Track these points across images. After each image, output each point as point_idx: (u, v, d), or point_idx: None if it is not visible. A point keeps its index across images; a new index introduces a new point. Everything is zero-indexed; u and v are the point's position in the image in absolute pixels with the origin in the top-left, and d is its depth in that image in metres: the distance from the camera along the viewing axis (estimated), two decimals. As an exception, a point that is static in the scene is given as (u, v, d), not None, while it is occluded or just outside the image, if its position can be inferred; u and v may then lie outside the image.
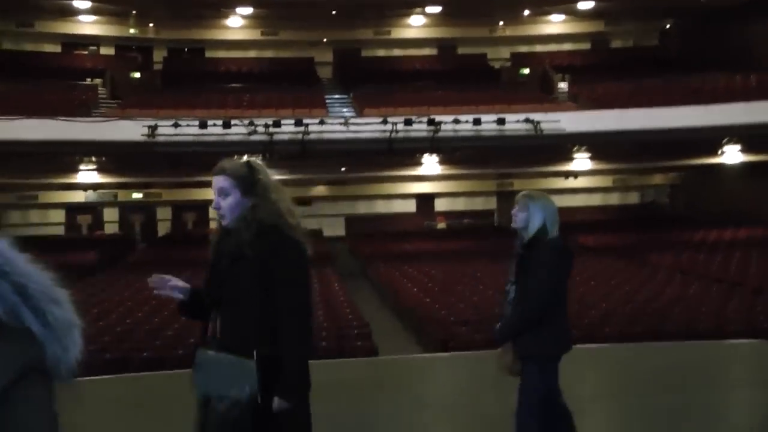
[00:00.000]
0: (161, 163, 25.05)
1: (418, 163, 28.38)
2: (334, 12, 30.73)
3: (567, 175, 29.24)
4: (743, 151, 25.78)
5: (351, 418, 7.58)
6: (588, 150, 27.21)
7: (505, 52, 35.26)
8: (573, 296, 12.35)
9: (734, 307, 16.19)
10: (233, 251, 3.39)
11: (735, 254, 23.19)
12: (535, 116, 23.60)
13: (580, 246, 25.29)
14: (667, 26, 34.40)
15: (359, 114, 25.89)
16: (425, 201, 34.91)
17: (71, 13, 31.59)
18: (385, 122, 23.56)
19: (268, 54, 34.88)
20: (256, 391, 3.24)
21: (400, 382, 9.68)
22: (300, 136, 23.47)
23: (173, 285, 3.52)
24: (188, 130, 22.85)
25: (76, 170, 26.90)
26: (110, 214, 34.22)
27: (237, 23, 33.74)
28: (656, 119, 23.18)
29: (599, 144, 25.64)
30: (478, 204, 35.27)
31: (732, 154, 25.97)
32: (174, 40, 34.35)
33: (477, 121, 23.49)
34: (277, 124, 23.31)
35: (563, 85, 29.62)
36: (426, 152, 26.97)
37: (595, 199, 34.87)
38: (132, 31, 33.82)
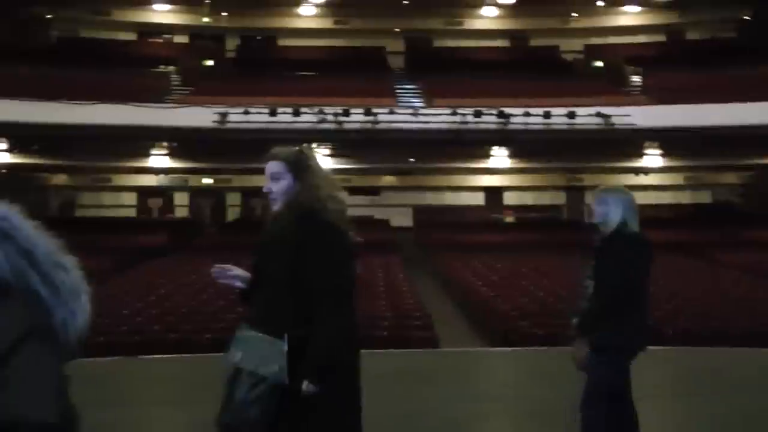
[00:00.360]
0: (231, 150, 25.34)
1: (487, 156, 28.24)
2: (405, 1, 30.68)
3: (637, 171, 28.76)
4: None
5: (407, 408, 7.60)
6: (659, 146, 26.73)
7: (577, 44, 34.77)
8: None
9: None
10: (274, 234, 3.52)
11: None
12: (606, 110, 23.27)
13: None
14: (746, 17, 33.49)
15: (429, 104, 25.83)
16: (493, 194, 34.66)
17: (147, 2, 32.19)
18: (454, 113, 23.49)
19: (340, 43, 34.94)
20: (284, 371, 3.30)
21: (458, 374, 9.67)
22: (369, 125, 23.55)
23: (234, 274, 3.65)
24: (258, 117, 23.11)
25: (148, 155, 27.44)
26: (181, 199, 34.77)
27: (309, 12, 33.93)
28: (731, 115, 22.64)
29: (671, 139, 25.14)
30: (547, 199, 34.91)
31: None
32: (246, 28, 34.68)
33: (547, 114, 23.27)
34: (346, 113, 23.42)
35: (636, 78, 29.10)
36: (495, 144, 26.82)
37: (666, 197, 34.19)
38: (205, 19, 34.23)
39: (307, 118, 23.42)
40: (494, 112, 23.42)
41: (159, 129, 23.67)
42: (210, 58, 33.97)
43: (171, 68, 30.64)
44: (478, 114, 23.35)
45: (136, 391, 9.20)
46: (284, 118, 23.19)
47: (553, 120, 23.32)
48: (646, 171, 28.61)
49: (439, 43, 35.72)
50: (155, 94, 25.79)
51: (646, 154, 27.33)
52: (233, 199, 34.92)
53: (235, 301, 14.64)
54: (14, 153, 26.04)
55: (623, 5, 32.93)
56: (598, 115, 23.18)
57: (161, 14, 33.83)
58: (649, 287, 4.95)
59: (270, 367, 3.32)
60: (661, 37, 34.54)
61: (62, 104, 22.79)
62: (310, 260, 3.38)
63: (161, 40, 35.43)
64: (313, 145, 26.52)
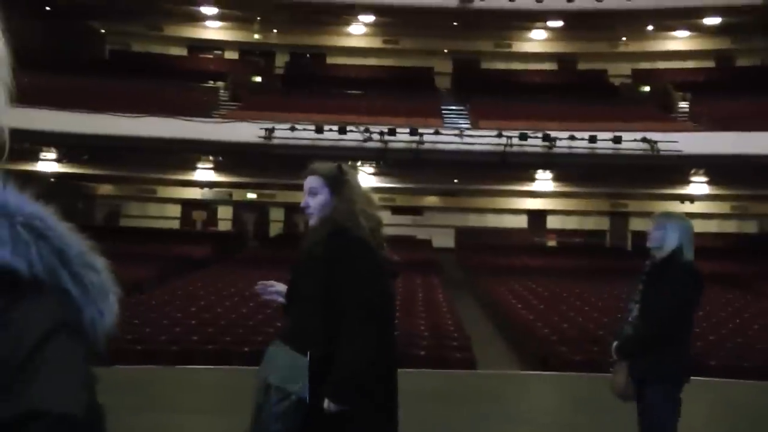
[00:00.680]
0: (276, 165, 25.53)
1: (532, 179, 28.14)
2: (455, 23, 30.75)
3: (683, 199, 28.44)
4: None
5: (442, 429, 7.58)
6: (706, 173, 26.42)
7: (626, 68, 34.58)
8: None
9: None
10: (307, 250, 3.54)
11: None
12: (653, 135, 23.07)
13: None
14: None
15: (475, 126, 25.82)
16: (537, 217, 34.51)
17: (198, 18, 32.61)
18: (499, 135, 23.45)
19: (388, 62, 35.13)
20: (306, 388, 3.33)
21: (495, 396, 9.62)
22: (414, 145, 23.58)
23: (275, 290, 3.74)
24: (304, 134, 23.25)
25: (193, 168, 27.76)
26: (224, 212, 35.09)
27: (359, 31, 34.13)
28: (780, 143, 22.33)
29: (718, 167, 24.84)
30: (590, 223, 34.66)
31: None
32: (296, 45, 35.02)
33: (593, 139, 23.13)
34: (392, 132, 23.48)
35: (683, 104, 28.84)
36: (539, 168, 26.72)
37: (711, 226, 33.70)
38: (256, 36, 34.65)
39: (353, 137, 23.53)
40: (539, 134, 23.35)
41: (205, 143, 23.92)
42: (259, 74, 34.33)
43: (220, 83, 31.00)
44: (523, 137, 23.28)
45: (173, 398, 9.28)
46: (330, 135, 23.32)
47: (598, 144, 23.17)
48: (691, 198, 28.28)
49: (487, 65, 35.76)
50: (203, 108, 26.12)
51: (692, 182, 27.03)
52: (276, 215, 35.17)
53: (274, 315, 14.75)
54: (63, 162, 26.49)
55: (673, 30, 32.65)
56: (644, 140, 22.98)
57: (212, 30, 34.32)
58: (693, 319, 4.88)
59: (295, 383, 3.35)
60: (710, 63, 34.19)
61: (112, 116, 23.16)
62: (339, 276, 3.40)
63: (211, 56, 35.91)
64: (358, 164, 26.71)
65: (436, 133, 23.75)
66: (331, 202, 3.57)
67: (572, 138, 23.26)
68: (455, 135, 24.03)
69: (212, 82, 31.50)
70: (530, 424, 8.21)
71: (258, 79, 33.91)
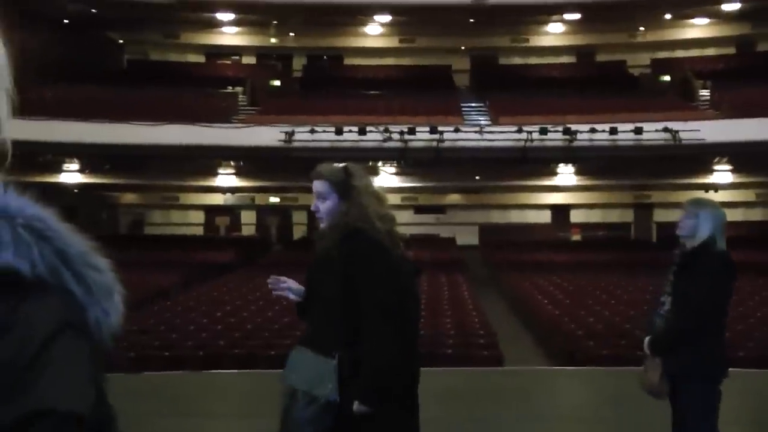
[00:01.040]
0: (297, 168, 25.58)
1: (553, 173, 28.02)
2: (471, 20, 30.65)
3: (707, 188, 28.17)
4: None
5: (469, 426, 7.54)
6: (729, 161, 26.19)
7: (644, 59, 34.34)
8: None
9: None
10: (322, 253, 3.53)
11: None
12: (674, 125, 22.89)
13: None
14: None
15: (494, 122, 25.74)
16: (560, 212, 34.37)
17: (215, 24, 32.72)
18: (519, 131, 23.36)
19: (406, 61, 35.10)
20: (335, 391, 3.32)
21: (522, 393, 9.57)
22: (434, 143, 23.54)
23: (287, 286, 3.69)
24: (324, 136, 23.28)
25: (215, 174, 27.86)
26: (247, 217, 35.19)
27: (375, 31, 34.10)
28: (805, 129, 22.08)
29: (741, 155, 24.59)
30: (614, 216, 34.45)
31: None
32: (313, 48, 35.04)
33: (613, 131, 22.99)
34: (411, 131, 23.44)
35: (705, 92, 28.59)
36: (561, 162, 26.60)
37: (736, 215, 33.34)
38: (273, 40, 34.72)
39: (373, 137, 23.52)
40: (560, 128, 23.23)
41: (226, 148, 24.02)
42: (277, 78, 34.42)
43: (238, 88, 31.09)
44: (543, 131, 23.19)
45: (201, 403, 9.31)
46: (350, 136, 23.33)
47: (619, 136, 23.03)
48: (715, 187, 28.01)
49: (505, 60, 35.65)
50: (223, 114, 26.22)
51: (716, 170, 26.80)
52: (299, 218, 35.22)
53: (299, 320, 14.82)
54: (86, 173, 26.66)
55: (691, 18, 32.33)
56: (666, 130, 22.81)
57: (229, 36, 34.41)
58: (727, 311, 4.65)
59: (322, 386, 3.33)
60: (730, 50, 33.80)
61: (132, 125, 23.29)
62: (355, 278, 3.39)
63: (229, 62, 36.05)
64: (379, 164, 26.70)
65: (456, 130, 23.70)
66: (340, 206, 3.54)
67: (593, 131, 23.14)
68: (475, 132, 23.96)
69: (231, 87, 31.61)
70: (559, 421, 8.15)
71: (276, 82, 34.01)
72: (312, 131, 23.42)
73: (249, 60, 36.01)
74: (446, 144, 23.54)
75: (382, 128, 23.60)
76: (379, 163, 26.80)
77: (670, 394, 4.57)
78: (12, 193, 1.02)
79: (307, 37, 34.22)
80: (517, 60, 35.54)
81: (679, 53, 33.94)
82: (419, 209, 33.57)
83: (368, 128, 23.51)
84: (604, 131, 23.07)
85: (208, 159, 26.37)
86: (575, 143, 23.35)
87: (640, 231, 33.95)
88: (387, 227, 3.55)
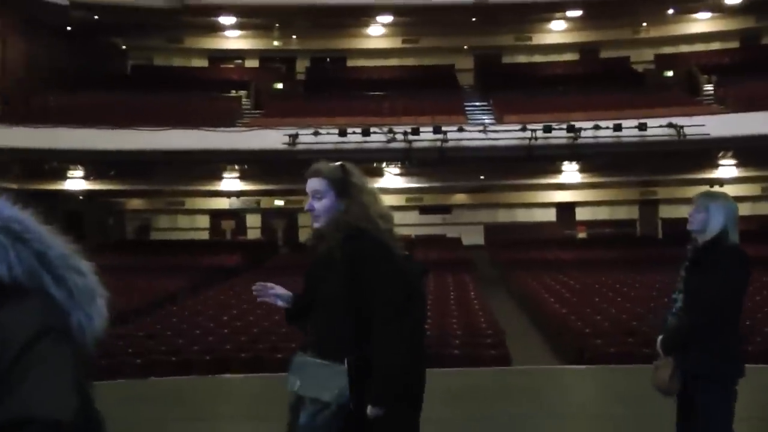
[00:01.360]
0: (302, 171, 25.58)
1: (558, 171, 27.97)
2: (474, 19, 30.64)
3: (712, 183, 28.11)
4: None
5: (478, 426, 7.53)
6: (734, 156, 26.13)
7: (648, 54, 34.30)
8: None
9: None
10: (324, 255, 3.41)
11: None
12: (679, 120, 22.86)
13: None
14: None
15: (499, 121, 25.73)
16: (565, 210, 34.32)
17: (218, 28, 32.76)
18: (524, 129, 23.35)
19: (409, 61, 35.11)
20: (347, 395, 3.23)
21: (531, 392, 9.55)
22: (438, 143, 23.53)
23: (275, 293, 3.60)
24: (328, 137, 23.29)
25: (220, 178, 27.88)
26: (253, 220, 35.20)
27: (378, 32, 34.11)
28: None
29: (747, 149, 24.53)
30: (620, 213, 34.39)
31: None
32: (316, 50, 35.06)
33: (618, 127, 22.97)
34: (415, 132, 23.44)
35: (709, 87, 28.53)
36: (566, 159, 26.56)
37: (743, 209, 33.02)
38: (276, 43, 34.75)
39: (377, 138, 23.52)
40: (564, 126, 23.21)
41: (231, 152, 24.05)
42: (280, 81, 34.45)
43: (242, 92, 31.13)
44: (548, 129, 23.16)
45: (209, 408, 9.31)
46: (354, 138, 23.34)
47: (623, 132, 23.00)
48: (721, 182, 27.93)
49: (508, 59, 35.63)
50: (227, 117, 26.26)
51: (721, 165, 26.73)
52: (305, 220, 35.15)
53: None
54: (91, 180, 26.70)
55: (695, 12, 32.26)
56: (670, 126, 22.77)
57: (232, 40, 34.45)
58: (741, 307, 4.49)
59: (331, 391, 3.25)
60: (735, 44, 33.72)
61: (136, 131, 23.34)
62: (363, 281, 3.30)
63: (232, 65, 36.09)
64: (383, 165, 26.70)
65: (460, 130, 23.69)
66: (338, 205, 3.44)
67: (597, 128, 23.12)
68: (479, 131, 23.95)
69: (234, 91, 31.66)
70: (568, 419, 8.14)
71: (280, 85, 34.03)
72: (316, 133, 23.43)
73: (252, 63, 36.05)
74: (450, 144, 23.53)
75: (386, 129, 23.61)
76: (384, 164, 26.80)
77: (682, 391, 4.42)
78: None
79: (310, 40, 34.26)
80: (521, 58, 35.53)
81: (683, 48, 33.87)
82: (424, 210, 33.56)
83: (372, 129, 23.52)
84: (608, 128, 23.05)
85: (212, 163, 26.39)
86: (580, 140, 23.33)
87: (645, 227, 33.90)
88: (388, 226, 3.50)
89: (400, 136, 23.48)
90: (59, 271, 0.95)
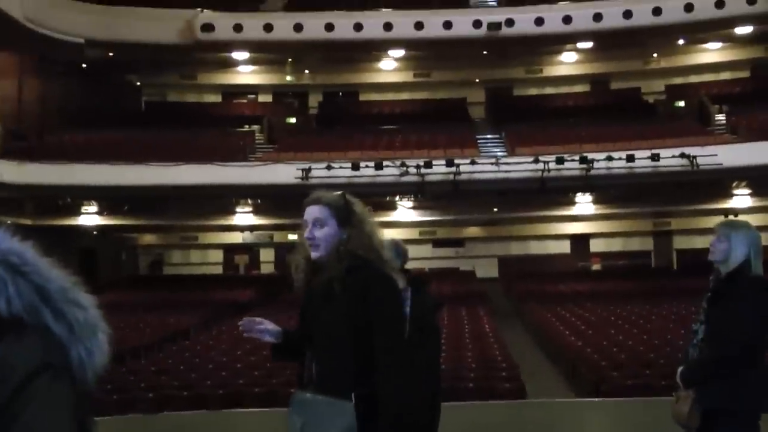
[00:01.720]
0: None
1: (572, 203, 27.92)
2: (485, 52, 30.79)
3: (726, 213, 27.99)
4: None
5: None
6: (748, 185, 26.04)
7: (659, 85, 34.36)
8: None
9: None
10: (325, 286, 3.25)
11: None
12: (691, 150, 22.84)
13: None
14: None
15: (511, 153, 25.76)
16: (579, 242, 34.21)
17: (231, 64, 33.02)
18: (536, 161, 23.36)
19: (421, 95, 35.27)
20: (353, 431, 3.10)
21: (546, 426, 9.46)
22: (451, 176, 23.55)
23: (263, 328, 3.46)
24: (341, 172, 23.33)
25: (233, 212, 27.94)
26: (266, 255, 35.19)
27: (390, 66, 34.29)
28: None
29: (760, 178, 24.45)
30: (635, 244, 34.23)
31: None
32: (329, 84, 35.24)
33: (630, 158, 22.95)
34: (428, 165, 23.47)
35: (721, 117, 28.52)
36: (579, 191, 26.53)
37: (760, 239, 33.07)
38: (288, 78, 34.95)
39: (390, 172, 23.56)
40: (576, 157, 23.21)
41: (244, 187, 24.14)
42: (293, 116, 34.61)
43: (255, 127, 31.30)
44: (560, 161, 23.16)
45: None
46: (367, 172, 23.38)
47: (636, 163, 22.98)
48: (735, 212, 27.81)
49: (519, 91, 35.73)
50: (240, 152, 26.39)
51: (735, 195, 26.65)
52: (318, 254, 35.15)
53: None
54: (104, 215, 26.81)
55: (705, 42, 32.34)
56: (683, 156, 22.74)
57: (245, 75, 34.69)
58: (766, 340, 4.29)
59: (338, 430, 3.11)
60: (745, 73, 33.75)
61: (150, 166, 23.49)
62: (371, 315, 3.17)
63: (245, 100, 36.31)
64: (396, 198, 26.73)
65: (473, 163, 23.72)
66: (340, 234, 3.31)
67: (610, 159, 23.10)
68: (492, 164, 23.97)
69: (248, 126, 31.83)
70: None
71: (293, 120, 34.18)
72: (329, 167, 23.50)
73: (265, 98, 36.25)
74: (463, 177, 23.55)
75: (398, 163, 23.66)
76: (397, 198, 26.82)
77: (700, 427, 4.26)
78: None
79: (323, 74, 34.47)
80: (532, 90, 35.63)
81: (694, 78, 33.89)
82: (438, 243, 33.52)
83: (385, 163, 23.57)
84: (621, 159, 23.03)
85: (226, 198, 26.48)
86: (593, 172, 23.30)
87: (660, 259, 33.74)
88: (390, 258, 3.43)
89: (412, 170, 23.51)
90: (59, 305, 0.93)
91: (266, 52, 30.96)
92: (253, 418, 11.11)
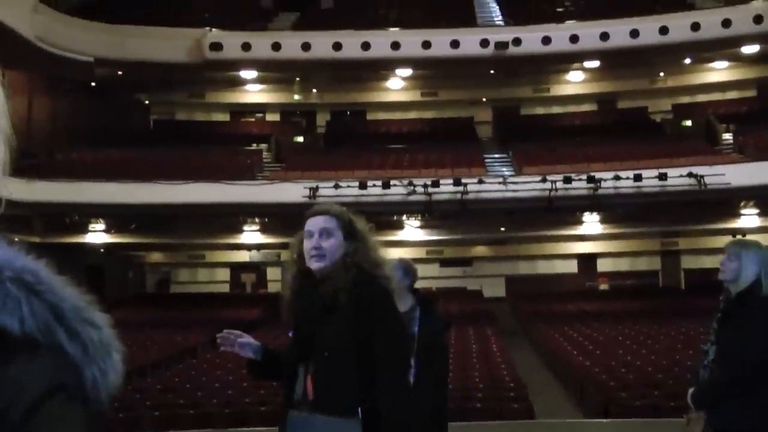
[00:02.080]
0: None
1: (579, 222, 27.88)
2: (492, 71, 30.85)
3: (734, 232, 27.89)
4: None
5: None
6: (756, 205, 25.98)
7: (666, 104, 34.37)
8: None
9: None
10: (329, 299, 3.16)
11: None
12: (699, 170, 22.79)
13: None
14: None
15: (518, 172, 25.77)
16: (587, 261, 34.13)
17: (239, 83, 33.12)
18: (544, 180, 23.34)
19: (428, 114, 35.33)
20: None
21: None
22: (459, 195, 23.53)
23: (243, 342, 3.37)
24: (348, 191, 23.33)
25: (240, 231, 27.96)
26: (273, 273, 35.14)
27: (397, 85, 34.37)
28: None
29: (768, 198, 24.43)
30: (642, 264, 34.13)
31: None
32: (336, 103, 35.33)
33: (638, 177, 22.91)
34: (435, 184, 23.47)
35: (728, 136, 28.49)
36: (586, 210, 26.50)
37: (767, 260, 32.92)
38: (296, 97, 35.06)
39: (397, 191, 23.56)
40: (584, 177, 23.19)
41: (252, 205, 24.16)
42: (301, 134, 34.70)
43: (263, 145, 31.37)
44: (568, 180, 23.14)
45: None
46: (374, 191, 23.38)
47: (644, 183, 22.95)
48: (743, 232, 27.70)
49: (527, 110, 35.77)
50: (248, 171, 26.44)
51: (743, 214, 26.57)
52: (326, 273, 35.12)
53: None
54: (112, 233, 26.86)
55: (711, 62, 32.37)
56: (690, 175, 22.70)
57: (253, 94, 34.80)
58: None
59: None
60: (752, 92, 33.73)
61: (158, 184, 23.52)
62: (376, 330, 3.10)
63: (253, 119, 36.42)
64: (404, 217, 26.72)
65: (480, 182, 23.71)
66: (345, 246, 3.24)
67: (617, 178, 23.07)
68: (499, 183, 23.96)
69: (255, 144, 31.90)
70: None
71: (300, 138, 34.26)
72: (336, 186, 23.51)
73: (273, 117, 36.35)
74: (471, 196, 23.54)
75: (406, 182, 23.66)
76: (404, 217, 26.82)
77: None
78: (1, 245, 0.96)
79: (330, 93, 34.57)
80: (539, 110, 35.66)
81: (701, 97, 33.89)
82: (445, 262, 33.47)
83: (392, 182, 23.57)
84: (628, 178, 22.99)
85: (233, 216, 26.51)
86: (600, 191, 23.27)
87: (668, 278, 33.62)
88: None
89: (420, 189, 23.51)
90: (73, 324, 0.92)
91: (274, 71, 31.06)
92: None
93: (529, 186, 23.56)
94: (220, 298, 31.57)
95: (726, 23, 26.22)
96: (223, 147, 29.40)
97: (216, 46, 27.33)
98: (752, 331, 4.11)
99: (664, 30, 26.64)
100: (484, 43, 27.42)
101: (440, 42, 27.38)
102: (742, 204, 26.05)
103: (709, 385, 4.29)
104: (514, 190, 23.63)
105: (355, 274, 3.18)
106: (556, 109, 35.40)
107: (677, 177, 22.74)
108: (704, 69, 33.05)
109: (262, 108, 36.17)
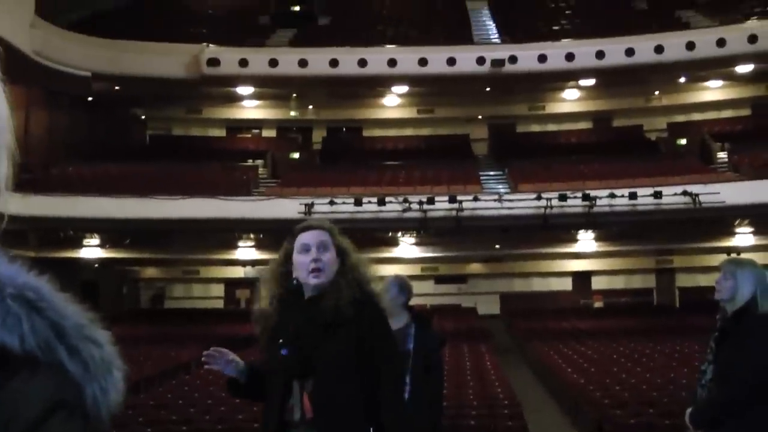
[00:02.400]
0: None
1: (574, 240, 27.93)
2: (488, 89, 30.94)
3: (729, 251, 27.95)
4: None
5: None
6: (751, 223, 26.05)
7: (661, 123, 34.49)
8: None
9: None
10: (330, 315, 3.08)
11: None
12: (694, 188, 22.86)
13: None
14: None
15: (514, 189, 25.81)
16: (582, 279, 34.15)
17: (236, 99, 33.18)
18: (539, 198, 23.38)
19: (424, 131, 35.40)
20: None
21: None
22: (454, 212, 23.56)
23: (231, 359, 3.32)
24: (344, 207, 23.36)
25: (235, 247, 27.94)
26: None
27: (393, 102, 34.44)
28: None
29: (763, 216, 24.47)
30: (637, 282, 34.17)
31: None
32: (332, 120, 35.41)
33: (633, 195, 22.97)
34: (431, 201, 23.49)
35: (723, 155, 28.60)
36: (581, 228, 26.54)
37: (761, 278, 32.98)
38: (292, 113, 35.14)
39: (392, 208, 23.58)
40: (579, 195, 23.24)
41: (247, 221, 24.16)
42: (297, 151, 34.74)
43: (259, 161, 31.41)
44: (563, 198, 23.19)
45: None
46: (369, 207, 23.40)
47: (639, 201, 23.01)
48: (738, 251, 27.77)
49: (522, 128, 35.86)
50: (244, 187, 26.45)
51: (738, 233, 26.64)
52: (321, 288, 35.07)
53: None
54: (106, 248, 26.82)
55: (706, 80, 32.53)
56: (685, 194, 22.76)
57: (250, 110, 34.88)
58: None
59: None
60: (746, 111, 33.88)
61: (153, 199, 23.52)
62: (376, 349, 3.07)
63: (249, 135, 36.46)
64: (399, 234, 26.73)
65: (476, 199, 23.74)
66: (337, 263, 3.20)
67: (612, 196, 23.13)
68: (494, 200, 24.00)
69: (251, 160, 31.92)
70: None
71: (296, 155, 34.30)
72: (331, 203, 23.54)
73: (269, 133, 36.40)
74: (466, 213, 23.56)
75: (401, 198, 23.69)
76: (399, 234, 26.83)
77: None
78: (3, 260, 0.96)
79: (327, 110, 34.66)
80: (535, 127, 35.77)
81: (696, 116, 34.06)
82: (440, 279, 33.48)
83: (387, 199, 23.59)
84: (623, 196, 23.05)
85: (228, 232, 26.50)
86: (595, 209, 23.32)
87: (662, 296, 33.65)
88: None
89: (415, 206, 23.53)
90: (74, 342, 0.92)
91: (271, 87, 31.13)
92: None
93: (524, 203, 23.59)
94: (215, 314, 31.47)
95: (721, 42, 26.37)
96: (219, 162, 29.40)
97: (213, 62, 27.40)
98: (749, 350, 4.11)
99: (659, 49, 26.79)
100: (481, 60, 27.52)
101: (437, 59, 27.48)
102: (736, 222, 26.13)
103: (706, 404, 4.27)
104: (509, 208, 23.67)
105: (357, 291, 3.14)
106: (552, 127, 35.51)
107: (672, 195, 22.81)
108: (699, 88, 33.22)
109: (258, 124, 36.22)
